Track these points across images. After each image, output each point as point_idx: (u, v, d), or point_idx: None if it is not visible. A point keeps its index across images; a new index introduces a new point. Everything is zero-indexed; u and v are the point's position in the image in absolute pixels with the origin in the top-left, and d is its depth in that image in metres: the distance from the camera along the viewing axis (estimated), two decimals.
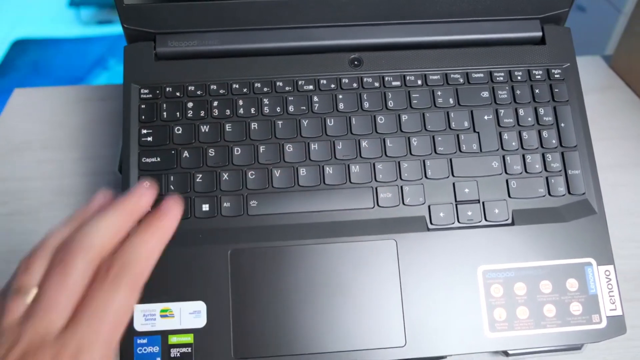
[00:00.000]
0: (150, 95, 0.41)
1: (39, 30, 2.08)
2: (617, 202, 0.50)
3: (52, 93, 0.63)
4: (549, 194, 0.40)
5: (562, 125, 0.42)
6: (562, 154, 0.41)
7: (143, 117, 0.40)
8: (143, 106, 0.41)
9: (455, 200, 0.40)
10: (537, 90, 0.42)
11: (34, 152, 0.56)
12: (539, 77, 0.43)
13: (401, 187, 0.40)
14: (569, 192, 0.41)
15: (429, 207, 0.40)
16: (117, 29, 2.01)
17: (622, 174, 0.53)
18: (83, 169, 0.54)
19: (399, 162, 0.40)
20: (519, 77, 0.43)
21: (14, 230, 0.49)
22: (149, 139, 0.40)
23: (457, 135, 0.41)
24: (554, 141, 0.41)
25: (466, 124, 0.41)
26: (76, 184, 0.53)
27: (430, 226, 0.39)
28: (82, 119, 0.59)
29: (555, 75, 0.43)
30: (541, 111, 0.42)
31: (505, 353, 0.40)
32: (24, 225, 0.50)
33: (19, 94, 0.64)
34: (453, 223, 0.39)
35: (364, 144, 0.40)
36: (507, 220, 0.40)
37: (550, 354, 0.41)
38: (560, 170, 0.41)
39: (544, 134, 0.41)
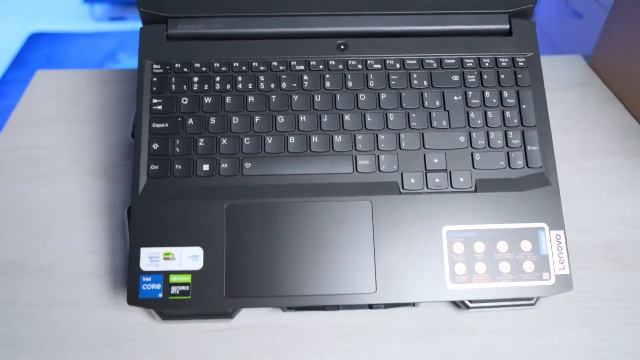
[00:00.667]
0: (161, 70, 0.47)
1: (53, 25, 2.15)
2: (583, 184, 0.56)
3: (71, 75, 0.69)
4: (509, 166, 0.46)
5: (524, 107, 0.47)
6: (523, 132, 0.47)
7: (154, 88, 0.46)
8: (155, 79, 0.46)
9: (425, 169, 0.45)
10: (502, 76, 0.48)
11: (55, 125, 0.62)
12: (505, 64, 0.48)
13: (378, 156, 0.45)
14: (527, 166, 0.46)
15: (401, 174, 0.45)
16: (128, 25, 2.08)
17: (591, 159, 0.58)
18: (98, 141, 0.60)
19: (376, 135, 0.46)
20: (487, 64, 0.48)
21: (37, 190, 0.55)
22: (159, 107, 0.46)
23: (429, 113, 0.46)
24: (515, 120, 0.47)
25: (437, 103, 0.47)
26: (91, 153, 0.59)
27: (402, 190, 0.45)
28: (98, 99, 0.65)
29: (519, 63, 0.48)
30: (505, 94, 0.47)
31: (466, 305, 0.45)
32: (46, 186, 0.56)
33: (40, 76, 0.70)
34: (422, 189, 0.45)
35: (346, 117, 0.46)
36: (470, 187, 0.45)
37: (508, 309, 0.46)
38: (520, 146, 0.46)
39: (507, 114, 0.47)
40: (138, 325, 0.45)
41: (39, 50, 2.06)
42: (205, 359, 0.43)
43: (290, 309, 0.45)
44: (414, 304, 0.45)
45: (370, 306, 0.44)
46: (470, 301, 0.45)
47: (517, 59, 0.48)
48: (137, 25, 2.11)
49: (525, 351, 0.44)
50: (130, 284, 0.42)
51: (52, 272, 0.49)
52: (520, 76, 0.48)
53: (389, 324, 0.46)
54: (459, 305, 0.46)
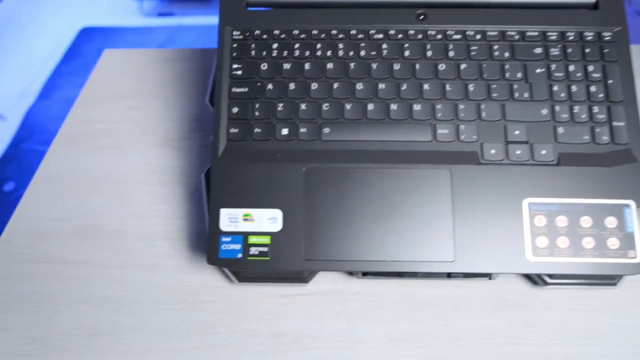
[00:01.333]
0: (241, 37, 0.47)
1: (103, 20, 2.22)
2: None
3: (136, 54, 0.71)
4: (594, 141, 0.44)
5: (610, 81, 0.46)
6: (608, 107, 0.45)
7: (234, 54, 0.47)
8: (234, 45, 0.47)
9: (506, 140, 0.44)
10: (587, 50, 0.46)
11: (123, 101, 0.64)
12: (590, 38, 0.47)
13: (457, 125, 0.45)
14: (613, 142, 0.44)
15: (481, 144, 0.44)
16: (176, 20, 2.13)
17: None
18: (165, 114, 0.61)
19: (456, 104, 0.45)
20: (571, 38, 0.47)
21: (107, 160, 0.57)
22: (239, 72, 0.46)
23: (511, 85, 0.46)
24: (600, 95, 0.45)
25: (519, 75, 0.46)
26: (159, 126, 0.60)
27: (482, 161, 0.44)
28: (163, 76, 0.67)
29: (606, 38, 0.47)
30: (590, 68, 0.46)
31: (544, 281, 0.44)
32: (116, 156, 0.57)
33: (108, 54, 0.72)
34: (503, 160, 0.44)
35: (425, 86, 0.45)
36: (552, 161, 0.44)
37: (587, 288, 0.45)
38: (605, 121, 0.45)
39: (592, 88, 0.46)
40: (213, 287, 0.46)
41: (90, 44, 2.13)
42: (279, 321, 0.43)
43: (366, 274, 0.44)
44: (490, 277, 0.44)
45: (449, 275, 0.43)
46: (550, 276, 0.44)
47: (604, 34, 0.47)
48: (185, 20, 2.15)
49: (603, 331, 0.43)
50: (210, 244, 0.42)
51: (126, 236, 0.50)
52: (606, 50, 0.46)
53: (463, 297, 0.45)
54: (536, 281, 0.45)
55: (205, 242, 0.46)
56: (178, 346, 0.42)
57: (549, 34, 0.47)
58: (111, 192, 0.53)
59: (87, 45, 2.13)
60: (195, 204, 0.51)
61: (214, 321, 0.44)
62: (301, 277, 0.44)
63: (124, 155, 0.57)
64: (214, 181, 0.44)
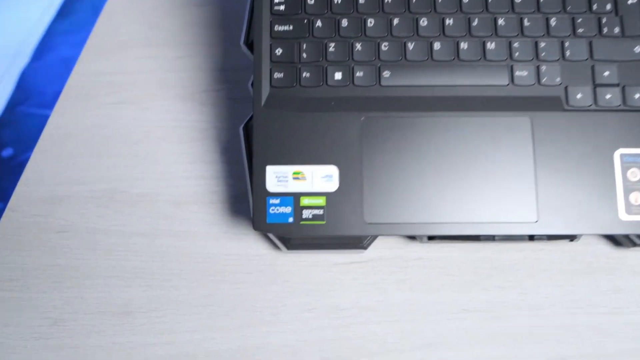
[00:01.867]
0: None
1: None
2: None
3: None
4: None
5: None
6: None
7: None
8: None
9: (594, 83, 0.38)
10: None
11: (136, 49, 0.57)
12: None
13: (537, 66, 0.38)
14: None
15: (565, 88, 0.38)
16: None
17: None
18: (182, 65, 0.54)
19: (536, 42, 0.39)
20: None
21: (124, 116, 0.50)
22: (281, 7, 0.39)
23: (599, 18, 0.39)
24: None
25: (609, 7, 0.39)
26: (177, 77, 0.53)
27: (566, 107, 0.38)
28: (178, 22, 0.59)
29: None
30: None
31: (632, 242, 0.39)
32: (130, 113, 0.51)
33: (113, 0, 0.65)
34: (590, 105, 0.38)
35: (500, 21, 0.39)
36: None
37: None
38: None
39: None
40: (257, 256, 0.40)
41: (83, 1, 2.02)
42: (336, 292, 0.38)
43: (432, 238, 0.39)
44: (571, 239, 0.39)
45: (531, 237, 0.38)
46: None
47: None
48: None
49: None
50: (256, 207, 0.37)
51: (153, 201, 0.44)
52: None
53: (541, 261, 0.40)
54: (622, 242, 0.40)
55: (248, 205, 0.41)
56: (222, 323, 0.37)
57: None
58: (130, 152, 0.47)
59: (80, 3, 2.02)
60: (229, 162, 0.45)
61: (261, 295, 0.38)
62: (359, 243, 0.39)
63: (142, 110, 0.51)
64: (256, 135, 0.38)
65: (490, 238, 0.38)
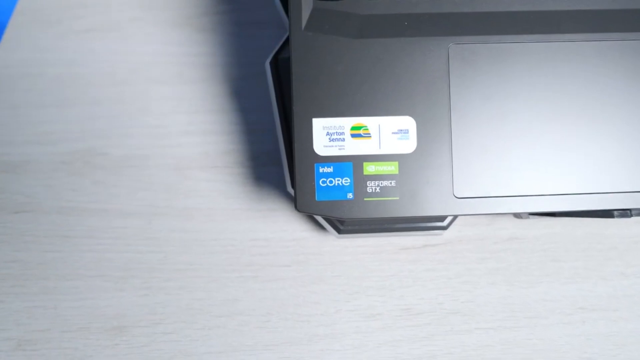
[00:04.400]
0: None
1: None
2: None
3: None
4: None
5: None
6: None
7: None
8: None
9: None
10: None
11: None
12: None
13: None
14: None
15: None
16: None
17: None
18: None
19: None
20: None
21: (101, 49, 0.37)
22: None
23: None
24: None
25: None
26: None
27: None
28: None
29: None
30: None
31: None
32: (107, 44, 0.38)
33: None
34: None
35: None
36: None
37: None
38: None
39: None
40: (297, 242, 0.29)
41: None
42: (407, 289, 0.28)
43: (536, 214, 0.28)
44: None
45: None
46: None
47: None
48: None
49: None
50: (299, 179, 0.25)
51: (145, 165, 0.32)
52: None
53: None
54: None
55: (277, 168, 0.30)
56: (255, 340, 0.27)
57: None
58: (112, 98, 0.35)
59: None
60: (245, 112, 0.34)
61: (306, 297, 0.28)
62: (439, 221, 0.28)
63: (123, 41, 0.38)
64: (296, 72, 0.26)
65: (627, 213, 0.27)
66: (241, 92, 0.34)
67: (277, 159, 0.31)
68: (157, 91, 0.35)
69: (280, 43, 0.29)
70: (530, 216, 0.29)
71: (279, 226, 0.30)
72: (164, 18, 0.39)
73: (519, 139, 0.26)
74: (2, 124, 0.34)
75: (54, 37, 0.38)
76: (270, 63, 0.29)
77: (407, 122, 0.26)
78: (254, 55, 0.36)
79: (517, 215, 0.29)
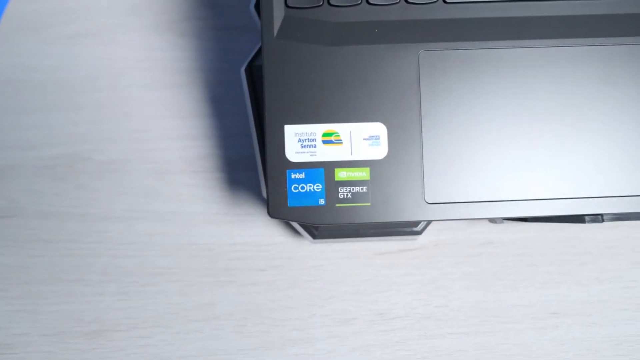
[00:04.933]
0: None
1: None
2: None
3: None
4: None
5: None
6: None
7: None
8: None
9: None
10: None
11: None
12: None
13: None
14: None
15: None
16: None
17: None
18: None
19: None
20: None
21: (85, 53, 0.38)
22: None
23: None
24: None
25: None
26: (148, 2, 0.40)
27: None
28: None
29: None
30: None
31: None
32: (91, 49, 0.38)
33: None
34: None
35: None
36: None
37: None
38: None
39: None
40: (272, 246, 0.30)
41: None
42: (382, 294, 0.28)
43: (509, 219, 0.28)
44: None
45: None
46: None
47: None
48: None
49: None
50: (272, 185, 0.26)
51: (127, 170, 0.33)
52: None
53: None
54: None
55: (253, 173, 0.30)
56: (231, 344, 0.27)
57: None
58: (94, 103, 0.35)
59: None
60: (224, 117, 0.34)
61: (282, 301, 0.28)
62: (412, 226, 0.28)
63: (106, 46, 0.38)
64: (268, 80, 0.26)
65: (598, 218, 0.27)
66: (221, 97, 0.35)
67: (255, 164, 0.32)
68: (139, 96, 0.35)
69: (255, 50, 0.29)
70: (505, 221, 0.29)
71: (256, 231, 0.30)
72: (148, 23, 0.39)
73: (490, 145, 0.26)
74: None
75: (40, 43, 0.38)
76: (245, 70, 0.30)
77: (378, 128, 0.26)
78: (234, 60, 0.36)
79: (492, 220, 0.29)
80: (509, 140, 0.26)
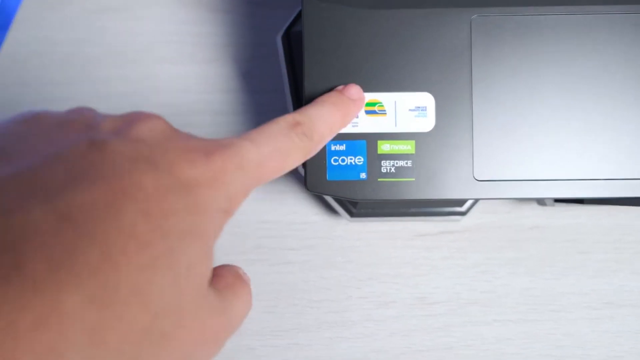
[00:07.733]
0: None
1: None
2: None
3: None
4: None
5: None
6: None
7: None
8: None
9: None
10: None
11: None
12: None
13: None
14: None
15: None
16: None
17: None
18: None
19: None
20: None
21: (112, 28, 0.37)
22: None
23: None
24: None
25: None
26: None
27: None
28: None
29: None
30: None
31: None
32: (119, 24, 0.37)
33: None
34: None
35: None
36: None
37: None
38: None
39: None
40: (306, 225, 0.28)
41: None
42: (423, 279, 0.27)
43: (562, 201, 0.27)
44: None
45: None
46: None
47: None
48: None
49: None
50: (310, 158, 0.24)
51: None
52: None
53: None
54: None
55: None
56: (262, 326, 0.26)
57: None
58: (122, 77, 0.34)
59: None
60: (257, 92, 0.33)
61: (316, 282, 0.27)
62: (457, 206, 0.27)
63: (136, 20, 0.37)
64: (308, 44, 0.24)
65: None
66: (252, 73, 0.33)
67: None
68: (168, 71, 0.34)
69: (293, 16, 0.28)
70: (556, 203, 0.27)
71: (289, 209, 0.28)
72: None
73: (545, 119, 0.24)
74: (12, 101, 0.34)
75: (64, 18, 0.37)
76: (283, 37, 0.28)
77: (426, 99, 0.24)
78: (266, 36, 0.34)
79: (541, 202, 0.27)
80: (566, 115, 0.24)
